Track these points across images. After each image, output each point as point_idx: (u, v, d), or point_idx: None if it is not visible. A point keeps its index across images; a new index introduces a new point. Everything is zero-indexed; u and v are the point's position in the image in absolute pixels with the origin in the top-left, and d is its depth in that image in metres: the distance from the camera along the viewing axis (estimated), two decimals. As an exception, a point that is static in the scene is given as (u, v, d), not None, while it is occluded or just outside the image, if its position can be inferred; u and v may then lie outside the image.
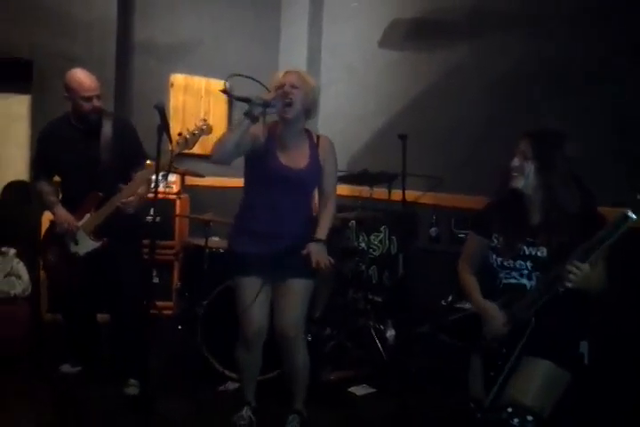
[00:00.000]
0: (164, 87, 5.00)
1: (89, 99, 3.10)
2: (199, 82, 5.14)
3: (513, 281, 2.24)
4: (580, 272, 1.93)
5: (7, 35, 4.17)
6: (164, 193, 4.48)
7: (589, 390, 2.35)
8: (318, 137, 2.80)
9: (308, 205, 2.82)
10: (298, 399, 2.82)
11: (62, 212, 3.20)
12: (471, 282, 2.37)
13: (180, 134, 3.05)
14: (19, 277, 3.74)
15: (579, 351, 2.17)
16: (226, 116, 5.29)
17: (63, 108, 3.25)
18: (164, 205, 4.36)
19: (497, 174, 2.30)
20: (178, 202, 4.61)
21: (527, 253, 2.19)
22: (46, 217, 3.76)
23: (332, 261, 2.68)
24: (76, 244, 3.19)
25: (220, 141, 2.55)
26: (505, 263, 2.24)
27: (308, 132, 2.79)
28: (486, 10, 3.90)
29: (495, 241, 2.28)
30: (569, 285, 1.96)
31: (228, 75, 2.66)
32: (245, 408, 2.83)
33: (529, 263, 2.19)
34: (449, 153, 4.09)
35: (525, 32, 3.60)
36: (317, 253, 2.64)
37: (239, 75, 2.65)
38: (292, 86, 2.60)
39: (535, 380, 2.07)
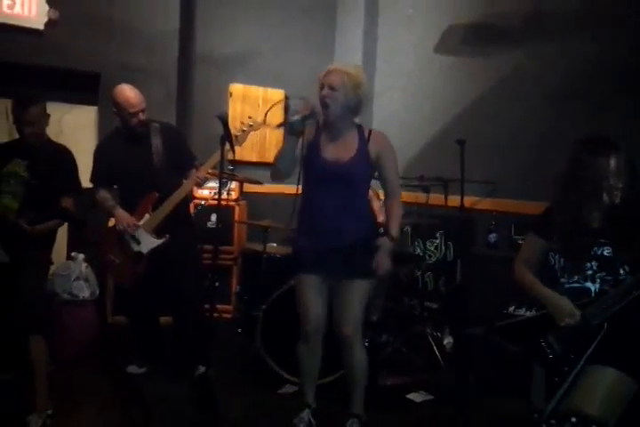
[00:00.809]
0: (224, 97, 5.11)
1: (135, 114, 3.28)
2: (256, 91, 5.23)
3: (577, 285, 2.19)
4: None
5: (76, 49, 4.35)
6: (224, 200, 4.58)
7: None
8: (370, 131, 2.76)
9: (360, 202, 2.75)
10: (357, 403, 2.82)
11: (122, 213, 3.36)
12: (530, 276, 2.28)
13: None
14: (87, 280, 3.89)
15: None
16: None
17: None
18: (224, 212, 4.46)
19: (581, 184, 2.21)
20: (237, 208, 4.71)
21: (592, 252, 2.15)
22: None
23: (390, 267, 2.67)
24: (138, 243, 3.32)
25: (275, 164, 2.71)
26: (568, 264, 2.20)
27: (359, 127, 2.75)
28: (542, 14, 3.85)
29: (558, 243, 2.23)
30: None
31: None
32: (306, 411, 2.85)
33: (594, 263, 2.15)
34: (507, 158, 4.04)
35: (583, 36, 3.54)
36: (384, 252, 2.64)
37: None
38: (331, 88, 2.60)
39: (601, 389, 2.01)
